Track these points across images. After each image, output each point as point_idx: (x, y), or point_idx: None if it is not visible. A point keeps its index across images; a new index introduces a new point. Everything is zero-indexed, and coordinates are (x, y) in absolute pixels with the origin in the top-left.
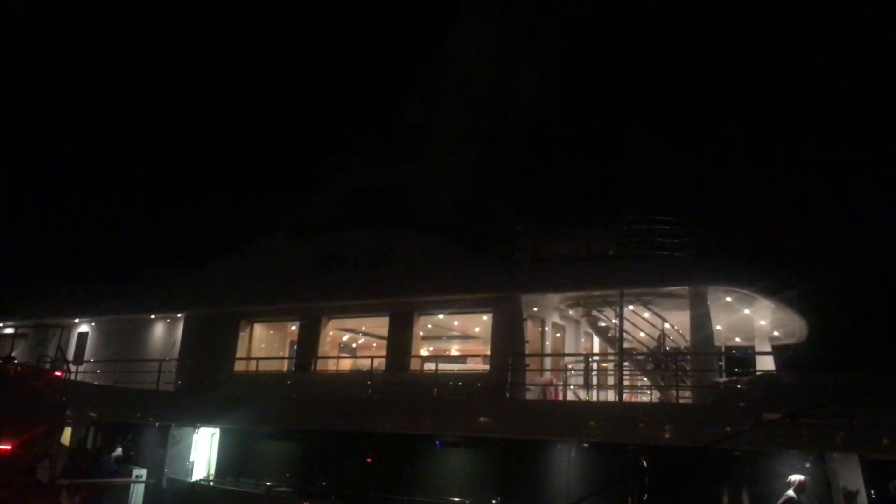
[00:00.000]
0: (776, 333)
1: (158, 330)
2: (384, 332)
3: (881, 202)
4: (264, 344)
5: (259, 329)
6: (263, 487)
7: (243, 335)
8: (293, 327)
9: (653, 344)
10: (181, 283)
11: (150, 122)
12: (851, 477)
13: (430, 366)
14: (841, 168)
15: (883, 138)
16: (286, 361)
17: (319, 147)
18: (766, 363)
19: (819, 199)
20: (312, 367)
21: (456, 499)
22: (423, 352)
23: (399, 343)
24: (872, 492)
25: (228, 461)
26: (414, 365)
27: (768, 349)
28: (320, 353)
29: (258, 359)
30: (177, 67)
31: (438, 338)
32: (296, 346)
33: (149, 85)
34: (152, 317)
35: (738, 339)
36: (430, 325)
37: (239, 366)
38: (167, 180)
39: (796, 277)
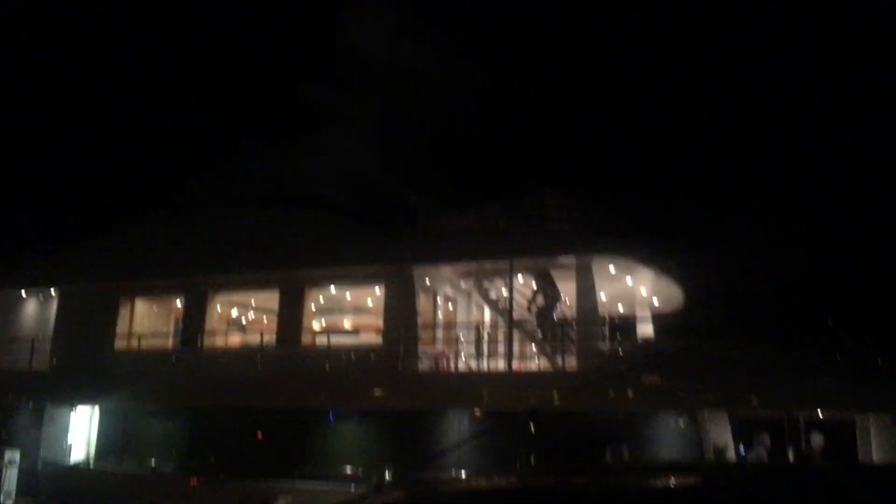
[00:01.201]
0: (656, 302)
1: (30, 308)
2: (275, 306)
3: (754, 172)
4: (147, 320)
5: (141, 305)
6: (147, 468)
7: (124, 311)
8: (178, 303)
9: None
10: (55, 258)
11: (34, 90)
12: (722, 433)
13: (322, 340)
14: (722, 139)
15: (756, 108)
16: (171, 338)
17: (213, 123)
18: (646, 330)
19: (697, 173)
20: (199, 343)
21: (349, 471)
22: (316, 326)
23: (290, 317)
24: (741, 444)
25: (109, 442)
26: (306, 339)
27: (648, 317)
28: (208, 329)
29: (140, 335)
30: (58, 40)
31: (331, 311)
32: (181, 323)
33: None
34: (24, 294)
35: (620, 308)
36: (321, 299)
37: (120, 343)
38: (48, 150)
39: (675, 248)
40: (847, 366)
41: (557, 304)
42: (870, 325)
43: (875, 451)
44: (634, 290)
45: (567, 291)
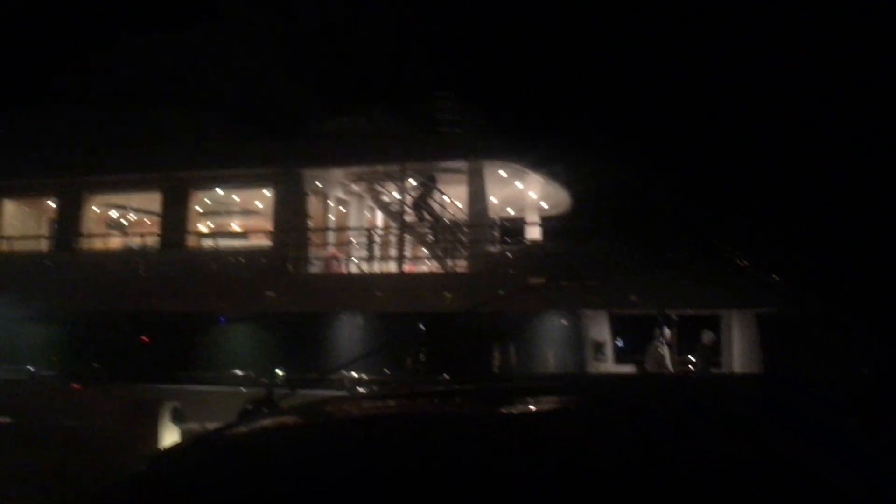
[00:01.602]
0: (544, 205)
1: None
2: (157, 208)
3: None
4: (18, 222)
5: (9, 206)
6: (25, 373)
7: None
8: (48, 204)
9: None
10: None
11: None
12: (601, 330)
13: (209, 242)
14: (614, 47)
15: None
16: (46, 240)
17: (91, 10)
18: (534, 233)
19: (589, 81)
20: (76, 245)
21: (240, 374)
22: (202, 228)
23: (174, 220)
24: (617, 340)
25: None
26: (192, 242)
27: (537, 220)
28: (85, 231)
29: (11, 237)
30: None
31: (218, 213)
32: (55, 224)
33: None
34: None
35: (510, 211)
36: (208, 201)
37: None
38: None
39: (563, 151)
40: (715, 267)
41: (435, 206)
42: (735, 230)
43: (736, 343)
44: (524, 194)
45: (458, 196)
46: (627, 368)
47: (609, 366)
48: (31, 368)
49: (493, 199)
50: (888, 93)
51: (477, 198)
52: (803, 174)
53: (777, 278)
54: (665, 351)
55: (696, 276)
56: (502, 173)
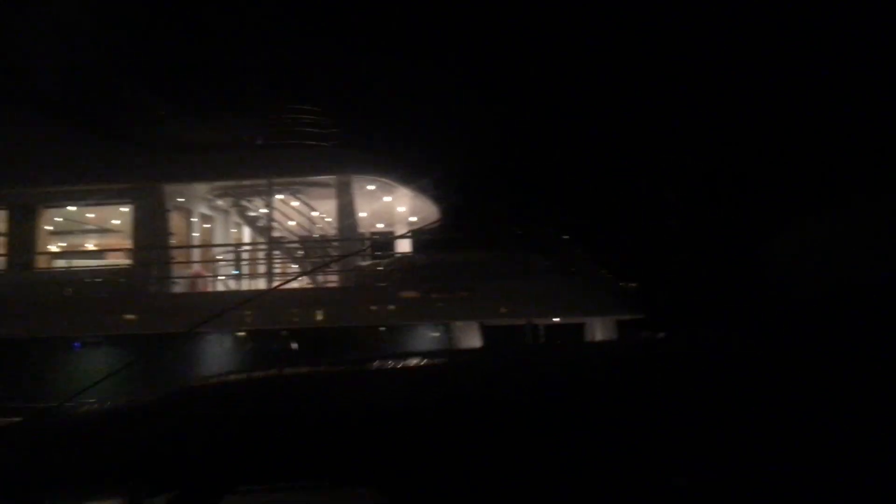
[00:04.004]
0: (413, 218)
1: None
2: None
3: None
4: None
5: None
6: None
7: None
8: None
9: (302, 232)
10: None
11: None
12: (472, 341)
13: (61, 263)
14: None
15: None
16: None
17: None
18: (404, 246)
19: (452, 87)
20: None
21: (92, 400)
22: (53, 248)
23: (21, 239)
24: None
25: None
26: (42, 262)
27: (406, 233)
28: None
29: None
30: None
31: (70, 232)
32: None
33: None
34: None
35: (380, 225)
36: (59, 219)
37: None
38: None
39: (432, 165)
40: (579, 276)
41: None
42: (597, 240)
43: None
44: (393, 208)
45: (327, 210)
46: None
47: None
48: None
49: (363, 214)
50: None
51: (346, 212)
52: (661, 185)
53: (635, 286)
54: None
55: (561, 284)
56: (371, 187)
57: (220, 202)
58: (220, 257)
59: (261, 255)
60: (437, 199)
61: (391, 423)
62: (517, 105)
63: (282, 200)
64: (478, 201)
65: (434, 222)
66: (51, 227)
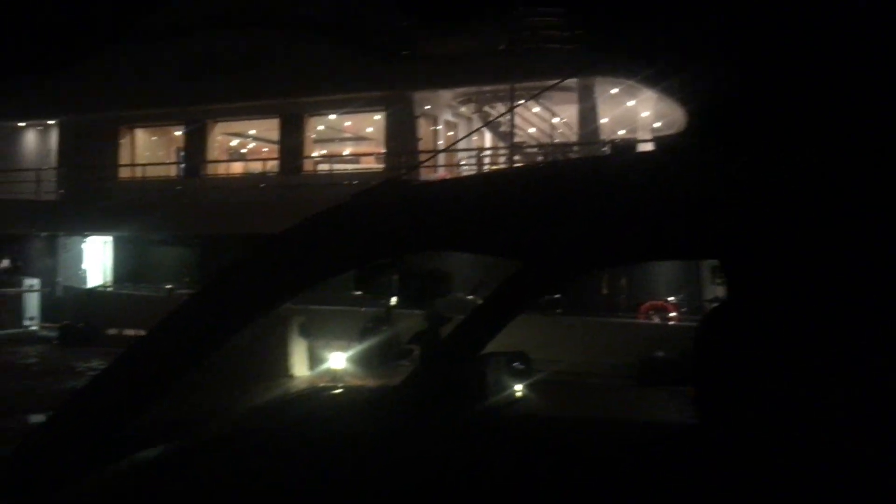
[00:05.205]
0: (657, 123)
1: (30, 139)
2: (274, 135)
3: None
4: (148, 151)
5: (141, 135)
6: (164, 291)
7: (124, 142)
8: (177, 133)
9: (543, 138)
10: (51, 87)
11: None
12: None
13: (324, 167)
14: None
15: None
16: (173, 168)
17: None
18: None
19: None
20: (202, 172)
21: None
22: (316, 154)
23: (291, 145)
24: None
25: (125, 269)
26: (307, 166)
27: (650, 140)
28: (209, 158)
29: (144, 165)
30: None
31: (331, 140)
32: (182, 153)
33: None
34: (22, 125)
35: (622, 132)
36: (321, 127)
37: (124, 173)
38: None
39: (678, 66)
40: None
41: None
42: None
43: None
44: (636, 112)
45: (568, 115)
46: None
47: None
48: (169, 287)
49: (603, 119)
50: None
51: (588, 117)
52: None
53: None
54: None
55: None
56: (614, 91)
57: (463, 109)
58: (464, 163)
59: (501, 160)
60: (684, 102)
61: None
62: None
63: (523, 106)
64: (727, 104)
65: (681, 127)
66: (314, 136)
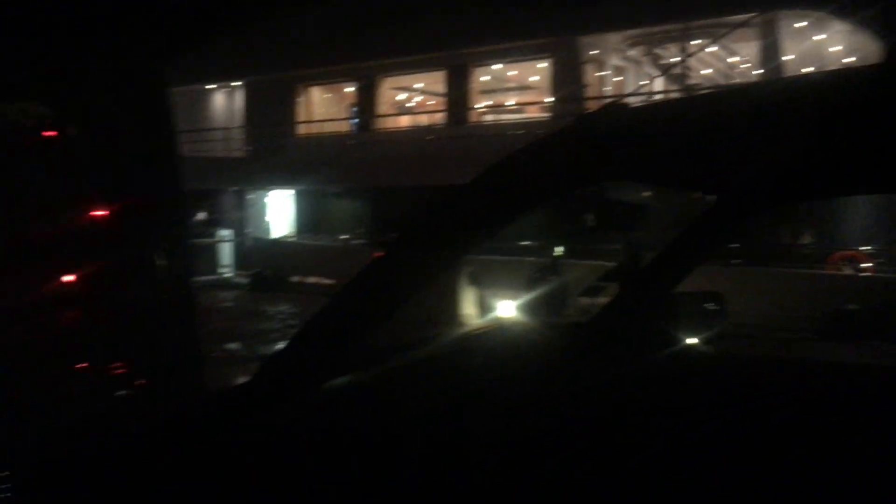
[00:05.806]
0: (849, 59)
1: (218, 100)
2: (440, 88)
3: None
4: (323, 108)
5: (316, 93)
6: (341, 241)
7: (301, 100)
8: (348, 89)
9: (721, 80)
10: (236, 50)
11: None
12: None
13: (489, 118)
14: None
15: None
16: (346, 123)
17: None
18: None
19: None
20: (372, 126)
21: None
22: (481, 105)
23: (456, 97)
24: None
25: (305, 220)
26: (472, 118)
27: None
28: (378, 113)
29: (319, 121)
30: None
31: (496, 90)
32: (354, 108)
33: None
34: (211, 87)
35: (810, 69)
36: (486, 78)
37: (301, 130)
38: None
39: None
40: None
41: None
42: None
43: None
44: (825, 47)
45: (748, 54)
46: None
47: None
48: (344, 237)
49: (788, 56)
50: None
51: (770, 56)
52: None
53: None
54: None
55: None
56: (800, 24)
57: (632, 52)
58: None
59: None
60: (884, 34)
61: None
62: None
63: (698, 45)
64: None
65: (878, 64)
66: (479, 87)
